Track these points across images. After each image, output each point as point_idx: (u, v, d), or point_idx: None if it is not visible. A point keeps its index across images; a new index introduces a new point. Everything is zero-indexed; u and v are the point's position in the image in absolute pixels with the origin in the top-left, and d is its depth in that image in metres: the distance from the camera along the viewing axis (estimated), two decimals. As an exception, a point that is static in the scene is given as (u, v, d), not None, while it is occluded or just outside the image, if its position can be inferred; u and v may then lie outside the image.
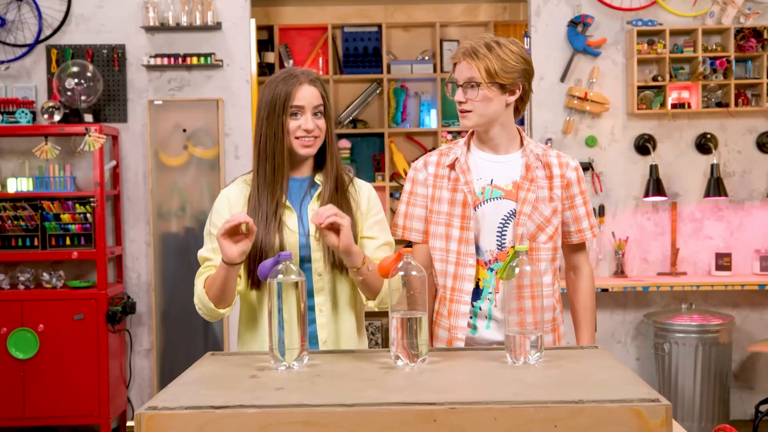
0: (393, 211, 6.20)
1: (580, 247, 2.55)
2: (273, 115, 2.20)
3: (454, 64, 2.40)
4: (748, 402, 5.05)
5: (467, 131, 2.50)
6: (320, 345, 2.23)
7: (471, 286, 2.40)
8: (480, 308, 2.42)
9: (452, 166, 2.44)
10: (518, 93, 2.37)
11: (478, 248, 2.41)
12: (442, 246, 2.44)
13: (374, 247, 2.27)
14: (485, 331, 2.42)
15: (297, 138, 2.21)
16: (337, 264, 2.22)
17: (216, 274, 2.12)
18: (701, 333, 4.61)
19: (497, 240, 2.40)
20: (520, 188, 2.38)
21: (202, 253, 2.26)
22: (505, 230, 2.39)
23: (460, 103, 2.36)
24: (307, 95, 2.20)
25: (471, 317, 2.43)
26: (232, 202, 2.27)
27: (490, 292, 2.40)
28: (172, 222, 4.99)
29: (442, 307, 2.46)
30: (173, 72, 5.02)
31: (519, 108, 2.43)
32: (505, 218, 2.39)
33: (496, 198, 2.39)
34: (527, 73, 2.37)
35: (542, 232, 2.40)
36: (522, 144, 2.45)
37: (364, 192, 2.34)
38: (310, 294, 2.24)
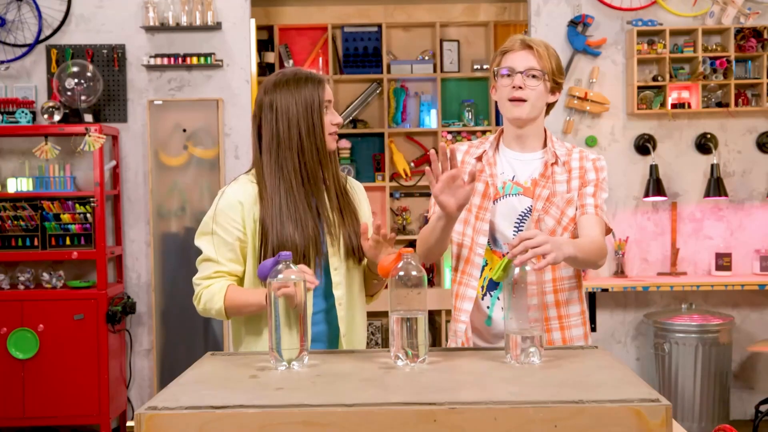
0: (393, 211, 6.19)
1: (588, 222, 2.39)
2: (309, 113, 2.23)
3: (503, 54, 2.41)
4: (748, 402, 5.05)
5: (477, 133, 2.51)
6: (341, 338, 2.27)
7: (479, 273, 2.42)
8: (498, 298, 2.42)
9: (479, 158, 2.48)
10: (558, 95, 2.44)
11: (495, 240, 2.43)
12: (460, 229, 2.45)
13: None
14: (501, 322, 2.40)
15: (330, 133, 2.27)
16: (350, 257, 2.29)
17: (250, 306, 2.19)
18: (701, 333, 4.61)
19: (514, 235, 2.39)
20: (537, 185, 2.41)
21: (207, 252, 2.27)
22: (522, 226, 2.40)
23: (519, 89, 2.35)
24: (329, 91, 2.29)
25: (488, 307, 2.42)
26: (245, 206, 2.26)
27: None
28: (172, 222, 4.99)
29: (455, 285, 2.49)
30: (173, 72, 5.02)
31: (548, 111, 2.50)
32: (523, 214, 2.40)
33: (515, 194, 2.41)
34: (557, 74, 2.43)
35: (559, 226, 2.40)
36: (545, 144, 2.49)
37: (363, 194, 2.45)
38: (329, 291, 2.27)
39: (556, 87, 2.41)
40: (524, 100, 2.36)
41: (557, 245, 2.05)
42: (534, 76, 2.35)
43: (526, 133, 2.44)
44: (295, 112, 2.23)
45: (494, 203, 2.42)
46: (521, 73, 2.35)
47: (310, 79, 2.26)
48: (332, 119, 2.27)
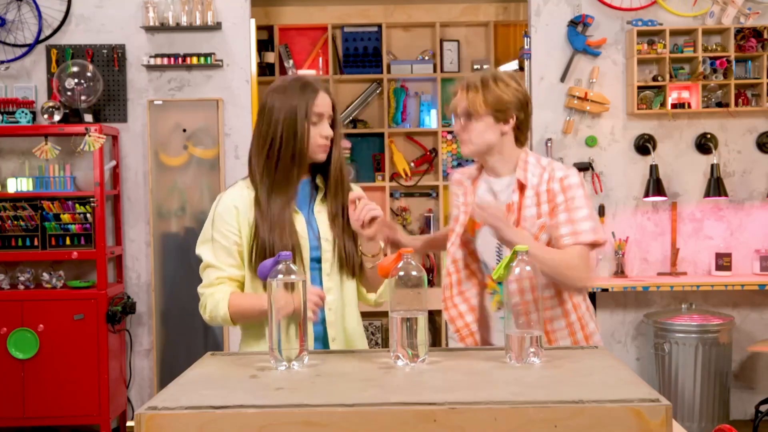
0: (393, 211, 6.20)
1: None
2: (292, 121, 2.23)
3: (454, 94, 2.53)
4: (748, 402, 5.05)
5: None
6: (330, 343, 2.28)
7: (475, 291, 2.59)
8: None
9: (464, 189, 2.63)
10: (512, 122, 2.47)
11: (486, 264, 2.55)
12: (451, 251, 2.60)
13: None
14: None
15: (318, 145, 2.27)
16: (344, 265, 2.30)
17: (253, 311, 2.20)
18: (701, 333, 4.61)
19: (497, 260, 2.48)
20: (510, 211, 2.46)
21: (208, 259, 2.28)
22: (502, 251, 2.47)
23: (459, 132, 2.51)
24: (325, 103, 2.28)
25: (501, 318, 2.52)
26: (240, 210, 2.27)
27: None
28: (172, 222, 4.99)
29: (454, 296, 2.63)
30: (173, 72, 5.02)
31: (518, 136, 2.52)
32: (493, 241, 2.47)
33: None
34: (521, 104, 2.48)
35: None
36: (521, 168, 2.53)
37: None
38: None
39: (502, 116, 2.45)
40: (466, 140, 2.49)
41: (508, 227, 2.27)
42: (469, 117, 2.46)
43: (492, 161, 2.53)
44: (281, 116, 2.24)
45: (476, 232, 2.52)
46: (459, 116, 2.49)
47: (306, 86, 2.26)
48: (321, 131, 2.26)
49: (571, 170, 2.48)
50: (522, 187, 2.45)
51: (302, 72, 6.10)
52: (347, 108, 6.15)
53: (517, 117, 2.47)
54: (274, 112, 2.25)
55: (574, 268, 2.37)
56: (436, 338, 5.89)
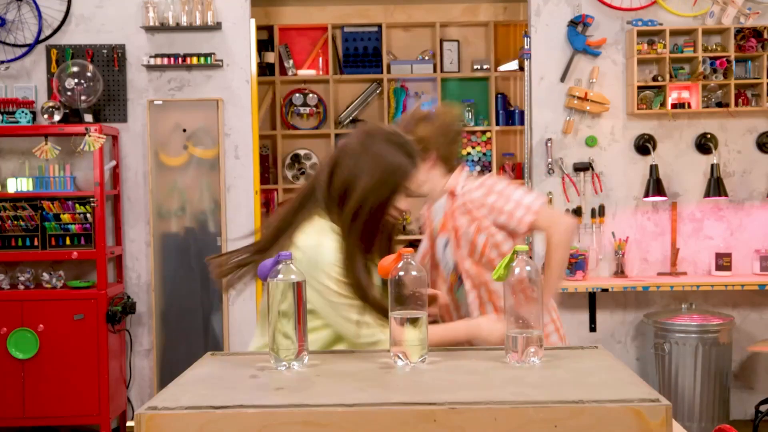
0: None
1: (535, 227, 2.75)
2: (391, 181, 2.09)
3: None
4: (748, 402, 5.05)
5: None
6: None
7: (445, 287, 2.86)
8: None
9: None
10: (431, 160, 2.69)
11: (437, 266, 2.88)
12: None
13: None
14: None
15: (392, 215, 2.15)
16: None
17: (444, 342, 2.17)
18: (701, 333, 4.61)
19: (448, 264, 2.83)
20: (445, 226, 2.81)
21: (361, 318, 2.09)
22: (447, 256, 2.82)
23: None
24: (414, 180, 2.17)
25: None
26: None
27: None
28: (172, 222, 4.99)
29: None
30: (173, 72, 5.02)
31: (445, 166, 2.75)
32: (443, 247, 2.83)
33: (438, 234, 2.86)
34: (438, 138, 2.69)
35: (474, 253, 2.74)
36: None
37: None
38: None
39: (423, 156, 2.60)
40: None
41: (485, 332, 2.26)
42: None
43: (429, 192, 2.79)
44: (386, 168, 2.09)
45: (434, 241, 2.86)
46: None
47: (415, 155, 2.14)
48: (401, 204, 2.13)
49: (481, 181, 2.75)
50: (452, 194, 2.73)
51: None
52: (347, 108, 6.15)
53: (437, 150, 2.68)
54: (381, 160, 2.08)
55: (563, 232, 2.65)
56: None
